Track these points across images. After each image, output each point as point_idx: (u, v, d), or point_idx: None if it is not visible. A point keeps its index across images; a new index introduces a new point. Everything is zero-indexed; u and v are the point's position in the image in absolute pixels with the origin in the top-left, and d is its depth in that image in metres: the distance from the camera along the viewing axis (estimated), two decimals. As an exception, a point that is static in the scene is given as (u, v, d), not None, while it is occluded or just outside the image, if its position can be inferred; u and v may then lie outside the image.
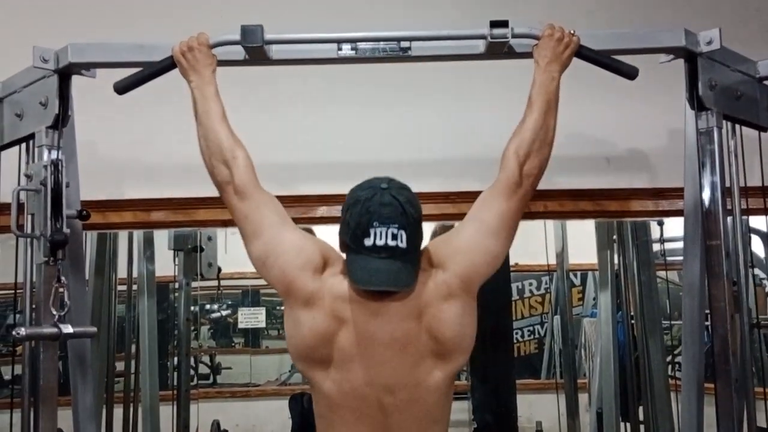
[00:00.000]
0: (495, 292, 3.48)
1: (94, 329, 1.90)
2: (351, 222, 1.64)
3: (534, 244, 4.45)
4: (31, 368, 1.87)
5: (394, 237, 1.60)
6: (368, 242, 1.60)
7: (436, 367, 1.67)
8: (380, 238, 1.60)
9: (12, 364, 2.37)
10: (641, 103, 2.30)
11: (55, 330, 1.78)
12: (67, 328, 1.79)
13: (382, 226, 1.60)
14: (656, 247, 3.69)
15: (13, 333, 1.73)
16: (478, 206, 1.77)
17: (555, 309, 5.62)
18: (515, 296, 6.47)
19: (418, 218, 1.67)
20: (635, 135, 2.43)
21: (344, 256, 1.68)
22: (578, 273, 5.79)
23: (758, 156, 2.06)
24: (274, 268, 1.69)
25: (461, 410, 4.14)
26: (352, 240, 1.63)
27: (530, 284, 6.20)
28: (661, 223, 3.70)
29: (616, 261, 3.76)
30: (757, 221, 3.74)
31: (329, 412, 1.68)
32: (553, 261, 4.58)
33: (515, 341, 6.35)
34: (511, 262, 4.78)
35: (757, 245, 4.28)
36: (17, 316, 2.04)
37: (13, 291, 1.99)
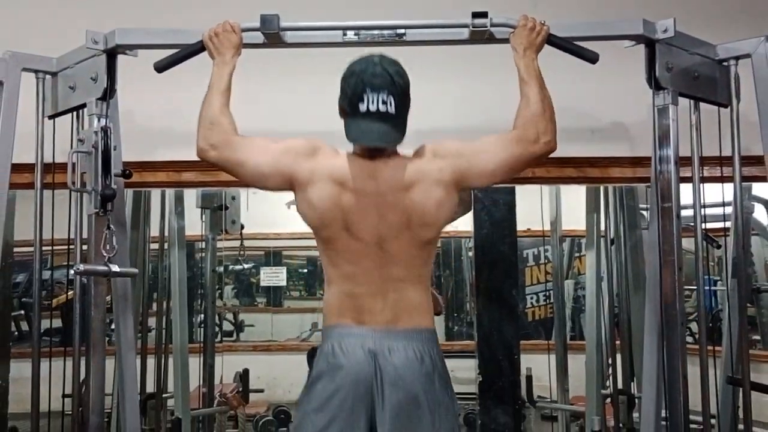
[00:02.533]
0: (501, 254, 3.53)
1: (135, 270, 2.18)
2: (348, 90, 1.86)
3: (547, 212, 4.58)
4: (82, 303, 2.15)
5: (384, 102, 1.82)
6: (362, 107, 1.83)
7: (416, 231, 1.89)
8: (372, 104, 1.82)
9: (50, 318, 2.65)
10: (623, 80, 2.40)
11: (105, 268, 2.06)
12: (115, 267, 2.07)
13: (374, 93, 1.82)
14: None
15: (74, 269, 2.02)
16: (495, 138, 1.94)
17: (567, 274, 5.79)
18: (531, 262, 6.54)
19: (406, 87, 1.89)
20: (617, 109, 2.61)
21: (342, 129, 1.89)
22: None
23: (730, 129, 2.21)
24: (275, 177, 1.92)
25: (468, 368, 4.24)
26: (348, 106, 1.86)
27: (546, 250, 6.19)
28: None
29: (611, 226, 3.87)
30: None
31: (337, 256, 1.92)
32: (567, 227, 4.78)
33: (531, 305, 6.47)
34: (523, 228, 4.89)
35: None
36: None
37: (50, 247, 2.24)
